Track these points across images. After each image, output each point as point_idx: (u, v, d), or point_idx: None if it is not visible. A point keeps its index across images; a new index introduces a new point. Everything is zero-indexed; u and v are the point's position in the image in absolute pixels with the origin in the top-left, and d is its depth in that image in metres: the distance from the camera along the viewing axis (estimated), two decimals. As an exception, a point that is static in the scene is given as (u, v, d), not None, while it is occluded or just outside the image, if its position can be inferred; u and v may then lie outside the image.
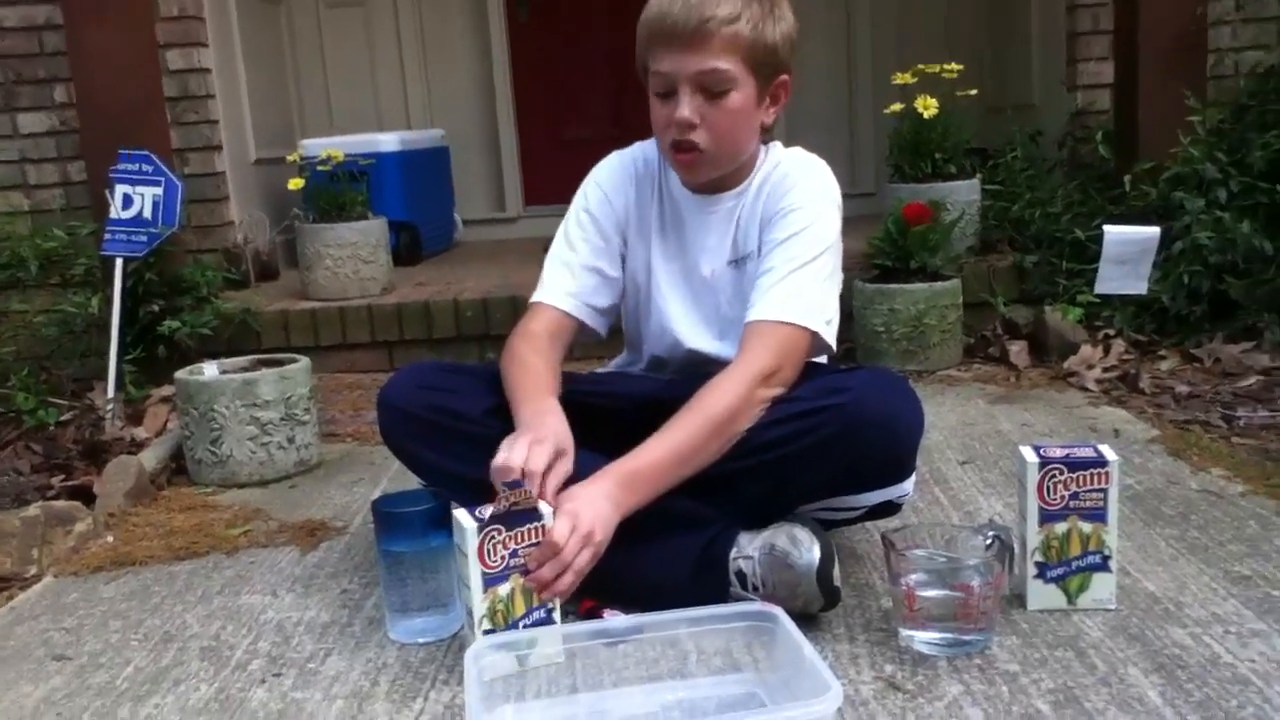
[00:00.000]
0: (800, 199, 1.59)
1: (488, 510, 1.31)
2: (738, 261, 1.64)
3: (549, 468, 1.38)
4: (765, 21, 1.52)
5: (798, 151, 1.67)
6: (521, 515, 1.32)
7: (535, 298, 1.67)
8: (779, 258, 1.56)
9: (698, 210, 1.66)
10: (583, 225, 1.68)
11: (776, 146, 1.67)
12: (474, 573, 1.31)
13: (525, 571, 1.33)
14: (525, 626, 1.34)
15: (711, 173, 1.61)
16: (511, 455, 1.36)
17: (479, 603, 1.31)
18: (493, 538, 1.31)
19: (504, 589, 1.32)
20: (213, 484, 2.28)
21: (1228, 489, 1.88)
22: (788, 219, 1.58)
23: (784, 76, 1.58)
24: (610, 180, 1.70)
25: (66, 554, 1.90)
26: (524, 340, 1.62)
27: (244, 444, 2.26)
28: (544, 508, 1.34)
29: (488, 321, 3.19)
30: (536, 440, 1.39)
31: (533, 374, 1.56)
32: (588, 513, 1.35)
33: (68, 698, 1.40)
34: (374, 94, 4.77)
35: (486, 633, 1.32)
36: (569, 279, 1.66)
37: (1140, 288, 2.74)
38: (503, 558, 1.32)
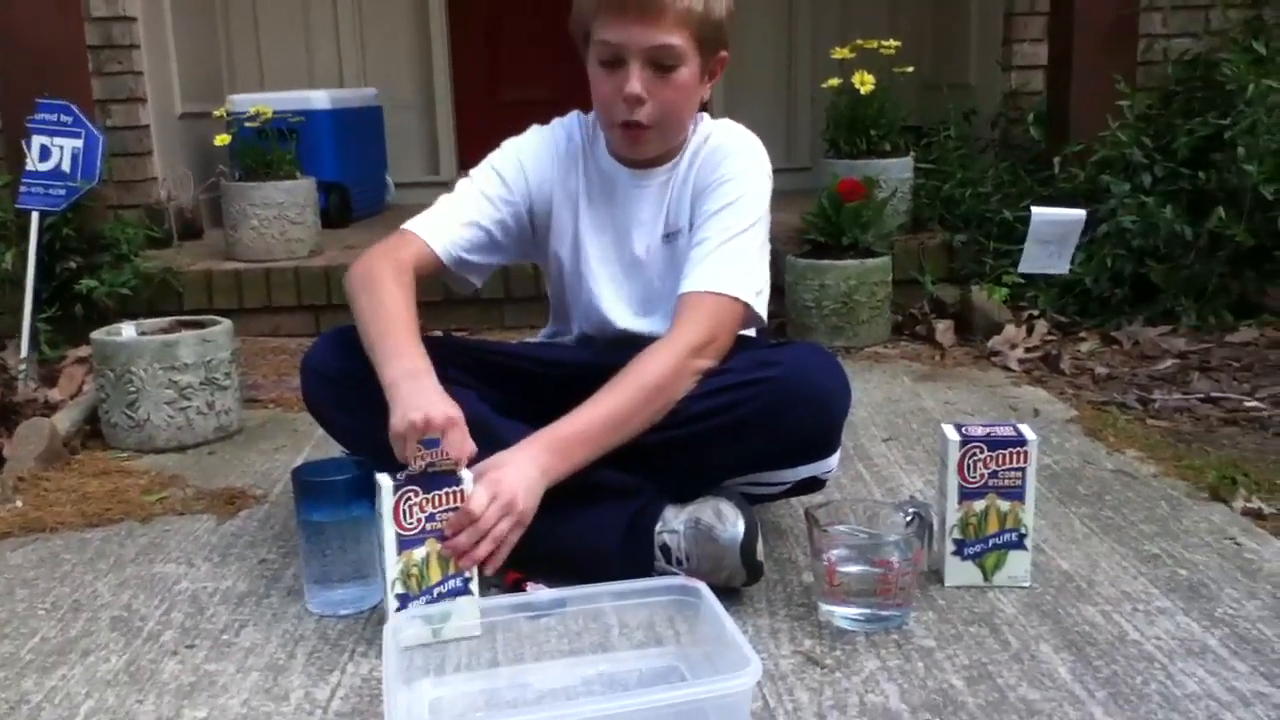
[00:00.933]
0: (733, 170, 1.59)
1: (395, 476, 1.30)
2: (669, 236, 1.64)
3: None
4: None
5: (727, 123, 1.66)
6: (439, 478, 1.31)
7: (412, 227, 1.61)
8: (713, 228, 1.55)
9: (630, 184, 1.64)
10: (489, 181, 1.64)
11: (705, 118, 1.66)
12: (388, 534, 1.29)
13: (442, 537, 1.31)
14: (440, 594, 1.32)
15: (657, 148, 1.60)
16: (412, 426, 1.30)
17: (392, 565, 1.30)
18: (409, 499, 1.29)
19: (419, 553, 1.31)
20: (129, 449, 2.22)
21: (1141, 470, 1.93)
22: (721, 189, 1.57)
23: (724, 53, 1.58)
24: (532, 152, 1.66)
25: (-28, 519, 1.84)
26: (391, 266, 1.54)
27: (162, 408, 2.20)
28: (464, 472, 1.33)
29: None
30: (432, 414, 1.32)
31: (399, 316, 1.47)
32: (510, 479, 1.34)
33: (-31, 668, 1.36)
34: (306, 49, 4.66)
35: (399, 596, 1.30)
36: (454, 225, 1.61)
37: (1062, 268, 2.79)
38: (419, 520, 1.30)
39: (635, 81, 1.50)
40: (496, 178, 1.64)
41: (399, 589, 1.30)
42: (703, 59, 1.54)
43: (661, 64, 1.50)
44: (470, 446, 1.34)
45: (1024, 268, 2.81)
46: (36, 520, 1.84)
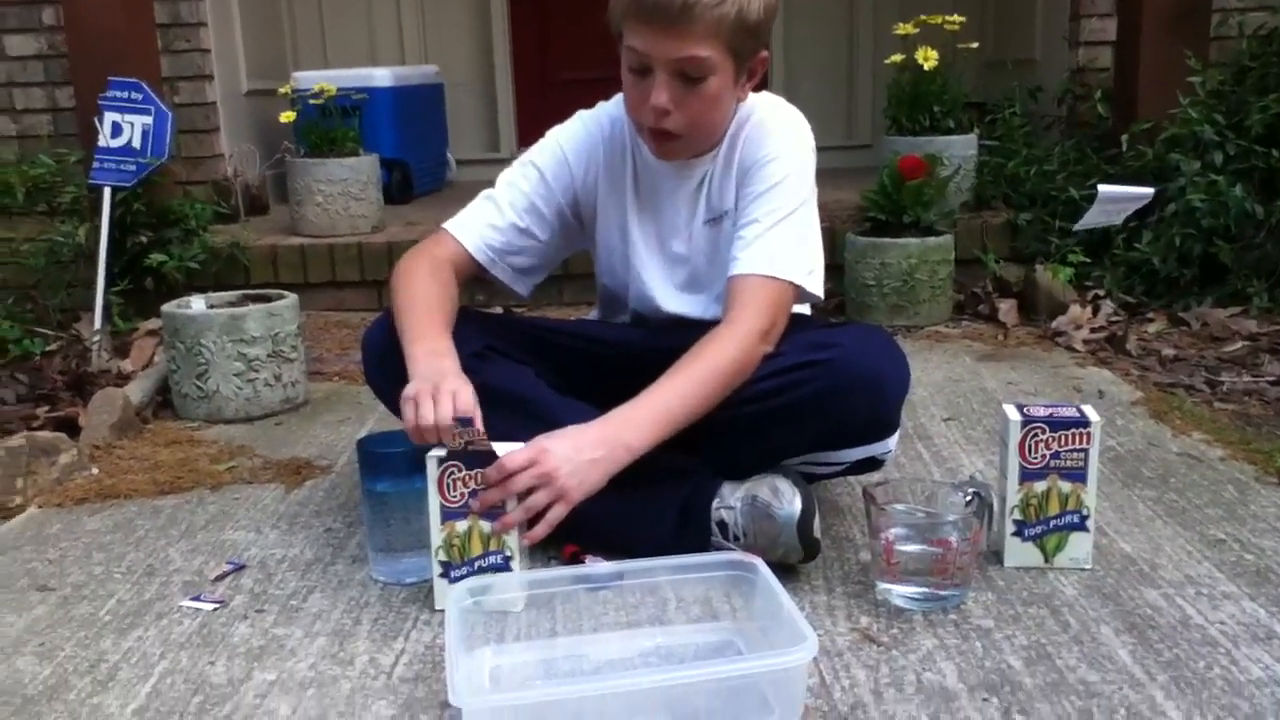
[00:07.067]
0: (777, 149, 1.55)
1: (443, 449, 1.34)
2: (714, 220, 1.61)
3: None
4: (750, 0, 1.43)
5: (768, 98, 1.62)
6: (479, 456, 1.34)
7: (448, 225, 1.63)
8: (761, 209, 1.53)
9: (672, 176, 1.62)
10: (529, 178, 1.63)
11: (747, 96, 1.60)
12: (433, 504, 1.34)
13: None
14: (481, 568, 1.36)
15: (686, 154, 1.57)
16: (422, 414, 1.34)
17: (436, 533, 1.35)
18: (452, 473, 1.34)
19: (461, 526, 1.35)
20: (198, 419, 2.28)
21: (1208, 453, 1.90)
22: (766, 170, 1.54)
23: (764, 53, 1.52)
24: (574, 144, 1.64)
25: (50, 485, 1.90)
26: (428, 262, 1.58)
27: (230, 380, 2.25)
28: (500, 449, 1.35)
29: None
30: (439, 392, 1.35)
31: (427, 303, 1.51)
32: (559, 453, 1.34)
33: (50, 628, 1.41)
34: (368, 27, 4.71)
35: (442, 564, 1.36)
36: (488, 225, 1.62)
37: (1115, 221, 2.75)
38: (461, 494, 1.35)
39: (661, 92, 1.45)
40: (536, 174, 1.63)
41: (442, 556, 1.36)
42: (737, 64, 1.47)
43: (689, 75, 1.45)
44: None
45: (1078, 226, 2.77)
46: (111, 487, 1.90)
